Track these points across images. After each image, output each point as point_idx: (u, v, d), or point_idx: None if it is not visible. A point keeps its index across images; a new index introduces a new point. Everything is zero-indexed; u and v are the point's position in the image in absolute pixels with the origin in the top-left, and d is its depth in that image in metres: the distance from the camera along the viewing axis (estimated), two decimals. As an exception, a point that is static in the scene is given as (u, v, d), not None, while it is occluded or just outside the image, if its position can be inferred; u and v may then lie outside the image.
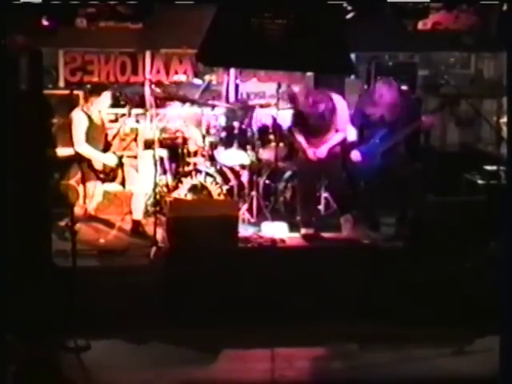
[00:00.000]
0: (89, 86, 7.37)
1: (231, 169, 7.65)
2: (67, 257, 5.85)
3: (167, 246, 6.36)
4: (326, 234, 7.03)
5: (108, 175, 6.89)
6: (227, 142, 7.58)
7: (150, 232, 6.77)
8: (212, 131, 7.70)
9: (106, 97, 6.99)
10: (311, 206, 7.20)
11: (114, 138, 7.07)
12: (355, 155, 6.99)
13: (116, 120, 7.59)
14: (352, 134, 7.06)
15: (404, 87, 8.06)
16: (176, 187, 7.47)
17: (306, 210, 7.05)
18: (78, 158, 6.79)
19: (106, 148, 6.98)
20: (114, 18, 7.38)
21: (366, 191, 7.12)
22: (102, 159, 6.85)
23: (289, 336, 5.75)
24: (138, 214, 7.09)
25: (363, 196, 7.13)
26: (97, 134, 6.90)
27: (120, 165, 6.94)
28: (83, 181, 6.74)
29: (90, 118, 6.84)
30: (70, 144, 6.83)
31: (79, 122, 6.78)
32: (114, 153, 6.96)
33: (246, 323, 5.82)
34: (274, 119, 7.45)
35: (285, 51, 5.89)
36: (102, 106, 6.96)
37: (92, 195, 6.83)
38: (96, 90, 6.99)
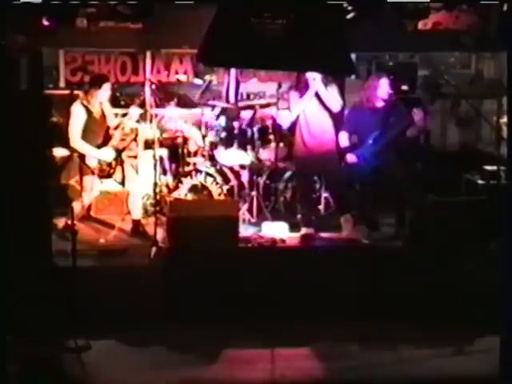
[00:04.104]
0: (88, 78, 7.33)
1: (231, 169, 7.65)
2: (67, 257, 5.85)
3: (167, 245, 6.36)
4: (325, 234, 7.03)
5: (103, 171, 6.83)
6: (227, 142, 7.57)
7: (151, 232, 6.78)
8: (212, 131, 7.70)
9: (106, 88, 6.91)
10: (311, 206, 7.21)
11: (116, 128, 6.96)
12: (350, 158, 7.00)
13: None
14: (344, 140, 7.07)
15: (404, 87, 8.07)
16: (176, 187, 7.47)
17: (305, 209, 7.06)
18: (76, 155, 6.76)
19: (106, 141, 6.89)
20: (114, 18, 7.39)
21: (360, 192, 7.13)
22: (97, 155, 6.77)
23: (289, 336, 5.75)
24: (137, 214, 7.10)
25: (358, 196, 7.13)
26: (96, 127, 6.85)
27: (120, 162, 6.89)
28: (80, 175, 6.70)
29: (89, 111, 6.79)
30: (68, 141, 6.80)
31: (77, 116, 6.74)
32: (115, 148, 6.88)
33: (246, 323, 5.82)
34: (274, 119, 7.46)
35: (285, 51, 5.88)
36: (102, 97, 6.90)
37: (89, 190, 6.78)
38: (96, 82, 6.92)
